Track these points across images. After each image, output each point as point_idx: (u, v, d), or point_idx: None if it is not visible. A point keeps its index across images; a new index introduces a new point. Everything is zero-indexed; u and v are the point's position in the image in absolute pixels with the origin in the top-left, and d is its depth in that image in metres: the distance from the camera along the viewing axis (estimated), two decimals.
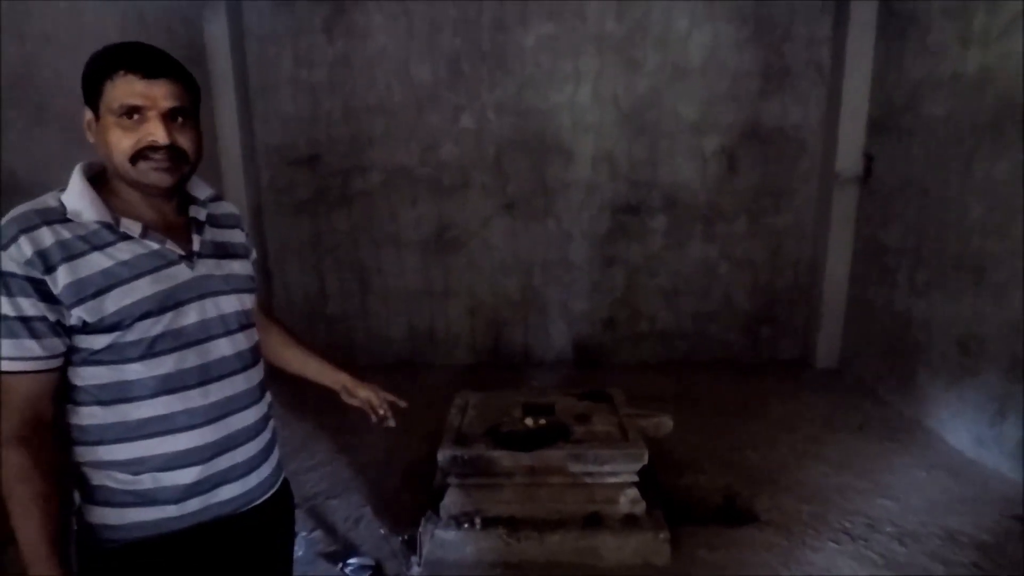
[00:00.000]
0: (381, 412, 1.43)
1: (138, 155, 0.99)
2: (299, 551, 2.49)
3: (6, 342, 0.94)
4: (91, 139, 1.04)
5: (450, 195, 4.67)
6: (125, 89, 0.97)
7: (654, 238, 4.70)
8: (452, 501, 2.45)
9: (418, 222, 4.73)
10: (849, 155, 4.26)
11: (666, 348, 4.85)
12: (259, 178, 4.65)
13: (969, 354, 3.22)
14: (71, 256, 0.96)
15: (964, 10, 3.22)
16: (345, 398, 1.44)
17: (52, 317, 0.96)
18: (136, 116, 0.98)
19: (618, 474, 2.41)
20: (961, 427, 3.29)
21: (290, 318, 4.30)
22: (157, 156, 0.99)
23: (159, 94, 0.98)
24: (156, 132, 0.98)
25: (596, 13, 4.36)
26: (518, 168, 4.62)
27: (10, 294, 0.94)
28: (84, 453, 1.04)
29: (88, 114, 1.02)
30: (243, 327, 1.16)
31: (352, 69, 4.47)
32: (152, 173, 1.01)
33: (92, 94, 1.00)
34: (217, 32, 4.20)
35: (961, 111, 3.27)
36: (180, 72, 1.02)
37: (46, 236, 0.95)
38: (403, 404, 1.46)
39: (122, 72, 0.97)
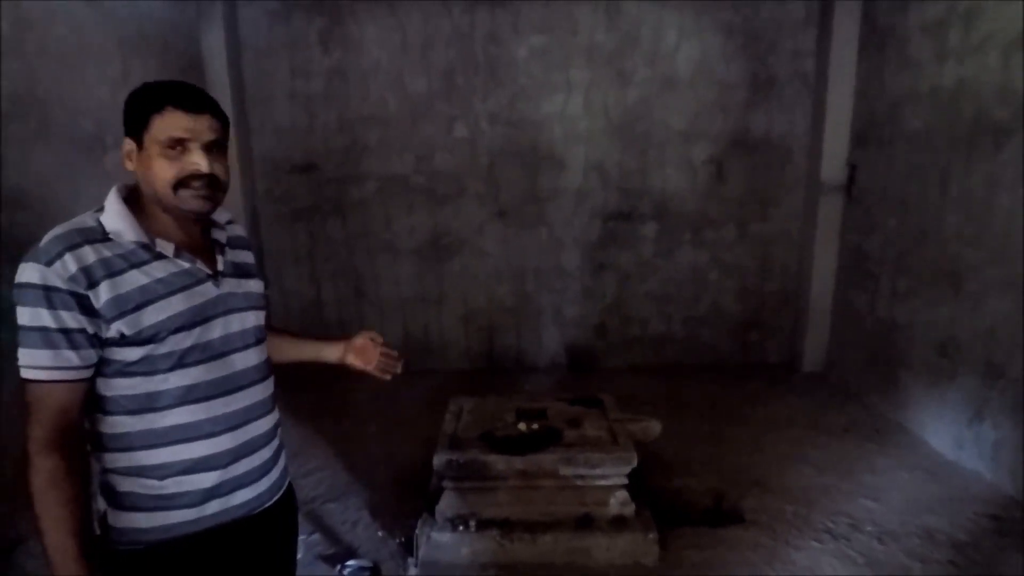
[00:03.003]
0: (395, 355, 1.52)
1: (180, 183, 1.08)
2: (299, 553, 2.54)
3: (46, 352, 1.01)
4: (131, 167, 1.12)
5: (444, 203, 4.75)
6: (172, 123, 1.06)
7: (645, 245, 4.79)
8: (447, 504, 2.52)
9: (413, 230, 4.80)
10: (834, 165, 4.37)
11: (657, 353, 4.94)
12: (255, 187, 4.71)
13: (948, 359, 3.32)
14: (112, 273, 1.04)
15: (940, 26, 3.33)
16: (351, 360, 1.50)
17: (91, 330, 1.03)
18: (179, 147, 1.07)
19: (608, 477, 2.48)
20: (941, 429, 3.39)
21: (287, 325, 4.34)
22: (197, 184, 1.08)
23: (202, 127, 1.08)
24: (200, 162, 1.08)
25: (587, 26, 4.46)
26: (511, 177, 4.70)
27: (52, 307, 1.01)
28: (113, 460, 1.11)
29: (129, 144, 1.10)
30: (259, 341, 1.26)
31: (347, 81, 4.55)
32: (192, 200, 1.10)
33: (138, 126, 1.08)
34: (214, 45, 4.28)
35: (938, 124, 3.38)
36: (216, 107, 1.12)
37: (89, 254, 1.03)
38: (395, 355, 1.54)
39: (169, 107, 1.06)
